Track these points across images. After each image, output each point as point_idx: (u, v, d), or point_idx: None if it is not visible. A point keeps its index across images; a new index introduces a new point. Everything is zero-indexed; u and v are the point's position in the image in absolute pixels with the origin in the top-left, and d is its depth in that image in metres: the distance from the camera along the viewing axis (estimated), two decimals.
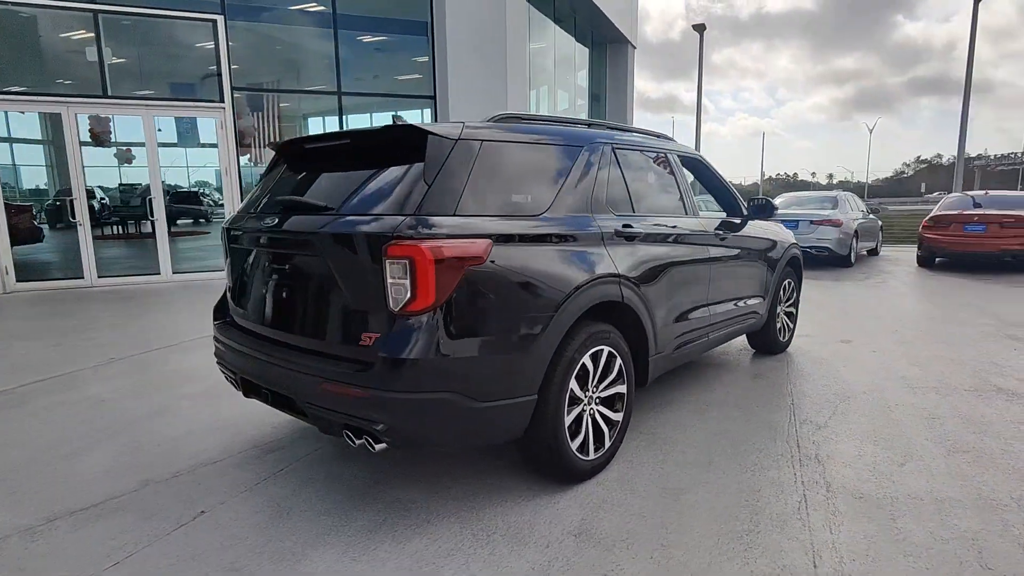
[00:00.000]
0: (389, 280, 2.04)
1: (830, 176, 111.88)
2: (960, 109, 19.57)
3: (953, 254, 9.87)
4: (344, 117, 9.95)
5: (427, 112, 10.40)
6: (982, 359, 4.43)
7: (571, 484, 2.50)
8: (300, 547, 2.07)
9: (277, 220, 2.44)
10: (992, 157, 74.82)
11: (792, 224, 9.53)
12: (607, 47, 17.88)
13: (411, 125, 2.29)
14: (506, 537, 2.13)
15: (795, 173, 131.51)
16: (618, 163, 2.97)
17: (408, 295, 2.03)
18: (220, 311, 2.90)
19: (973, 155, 72.56)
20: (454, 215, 2.13)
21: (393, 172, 2.28)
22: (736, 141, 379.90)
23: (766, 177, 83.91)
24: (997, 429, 3.09)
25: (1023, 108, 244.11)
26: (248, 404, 3.10)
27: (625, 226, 2.79)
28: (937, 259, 10.30)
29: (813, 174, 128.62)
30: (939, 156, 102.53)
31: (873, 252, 12.32)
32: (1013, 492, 2.44)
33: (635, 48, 18.51)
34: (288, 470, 2.66)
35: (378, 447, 2.12)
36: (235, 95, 8.96)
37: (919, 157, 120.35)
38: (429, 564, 1.97)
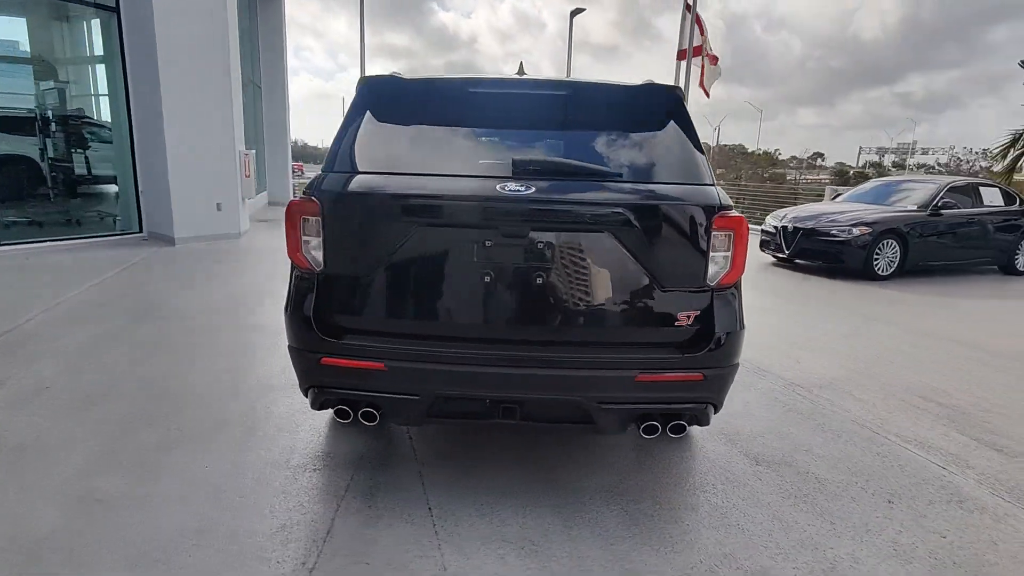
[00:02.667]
0: (712, 254, 2.02)
1: None
2: None
3: None
4: None
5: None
6: None
7: None
8: None
9: (531, 189, 1.98)
10: None
11: None
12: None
13: (672, 86, 2.26)
14: None
15: None
16: None
17: (727, 268, 2.06)
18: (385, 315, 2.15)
19: None
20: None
21: (657, 136, 2.19)
22: (302, 102, 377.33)
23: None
24: None
25: None
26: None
27: None
28: None
29: None
30: None
31: None
32: None
33: None
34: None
35: (679, 434, 2.18)
36: None
37: None
38: None
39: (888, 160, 62.27)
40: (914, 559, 2.08)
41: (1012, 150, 14.20)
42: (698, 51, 14.62)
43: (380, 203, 2.06)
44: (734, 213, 2.05)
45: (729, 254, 2.06)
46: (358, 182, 2.11)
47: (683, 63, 13.50)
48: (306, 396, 2.24)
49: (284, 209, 2.21)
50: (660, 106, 2.23)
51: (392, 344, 2.07)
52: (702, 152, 2.18)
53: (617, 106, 2.30)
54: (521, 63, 3.81)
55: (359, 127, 2.25)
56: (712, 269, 2.06)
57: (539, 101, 2.30)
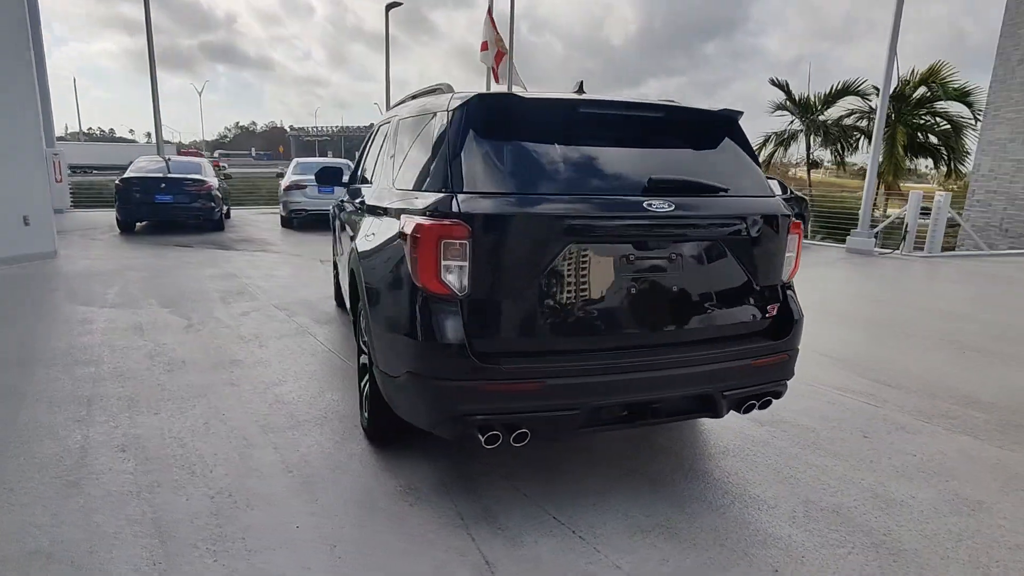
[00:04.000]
0: (787, 254, 2.42)
1: (148, 135, 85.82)
2: None
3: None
4: None
5: None
6: None
7: None
8: None
9: (671, 206, 2.17)
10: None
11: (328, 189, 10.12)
12: None
13: (731, 111, 2.56)
14: None
15: (111, 129, 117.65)
16: None
17: (792, 265, 2.48)
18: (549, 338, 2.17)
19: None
20: None
21: (723, 153, 2.51)
22: None
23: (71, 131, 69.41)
24: None
25: (295, 86, 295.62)
26: None
27: None
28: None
29: (131, 131, 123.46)
30: (254, 124, 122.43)
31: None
32: None
33: None
34: None
35: (767, 408, 2.53)
36: None
37: (238, 123, 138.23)
38: None
39: None
40: (911, 475, 2.77)
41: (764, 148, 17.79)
42: (486, 47, 16.58)
43: (534, 223, 2.08)
44: (797, 219, 2.50)
45: (794, 253, 2.51)
46: (509, 203, 2.09)
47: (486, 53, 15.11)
48: (444, 427, 2.16)
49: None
50: (731, 127, 2.56)
51: (549, 362, 2.12)
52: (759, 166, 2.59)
53: (701, 126, 2.56)
54: (581, 82, 3.82)
55: (483, 144, 2.20)
56: (786, 267, 2.48)
57: (643, 122, 2.48)
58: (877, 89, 13.80)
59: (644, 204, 2.17)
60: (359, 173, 4.12)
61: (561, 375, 2.11)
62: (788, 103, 15.84)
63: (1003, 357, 4.60)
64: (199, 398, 3.37)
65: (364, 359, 3.04)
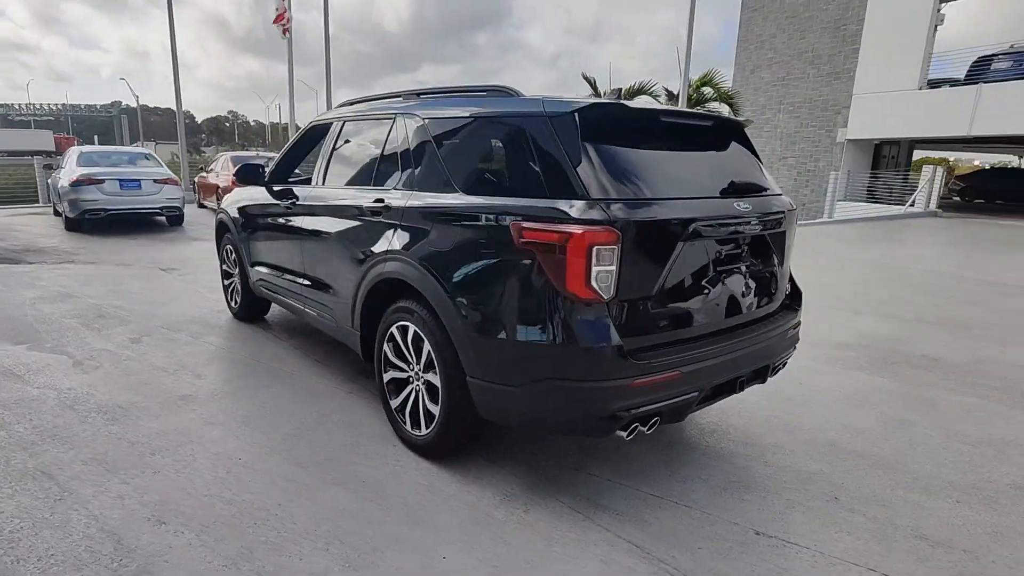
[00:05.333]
0: (793, 239, 2.98)
1: None
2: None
3: None
4: None
5: None
6: None
7: None
8: None
9: (748, 205, 2.56)
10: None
11: (134, 184, 10.12)
12: None
13: (740, 121, 2.94)
14: None
15: None
16: None
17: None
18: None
19: None
20: None
21: (744, 156, 2.85)
22: None
23: None
24: None
25: None
26: None
27: None
28: None
29: None
30: None
31: None
32: None
33: None
34: None
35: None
36: None
37: None
38: None
39: None
40: (910, 427, 3.59)
41: None
42: (281, 16, 18.10)
43: (664, 226, 2.25)
44: None
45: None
46: (645, 208, 2.23)
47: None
48: (595, 428, 2.27)
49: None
50: (742, 133, 2.95)
51: (680, 352, 2.33)
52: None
53: (730, 132, 2.89)
54: (620, 90, 3.78)
55: (599, 151, 2.28)
56: (792, 251, 3.02)
57: (701, 130, 2.76)
58: (668, 91, 16.17)
59: (734, 204, 2.50)
60: (322, 175, 3.70)
61: (690, 362, 2.34)
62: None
63: None
64: (189, 444, 2.83)
65: (394, 374, 2.94)
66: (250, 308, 4.96)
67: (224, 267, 5.19)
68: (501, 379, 2.36)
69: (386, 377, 3.01)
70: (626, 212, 2.17)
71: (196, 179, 12.53)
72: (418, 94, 3.21)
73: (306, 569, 2.04)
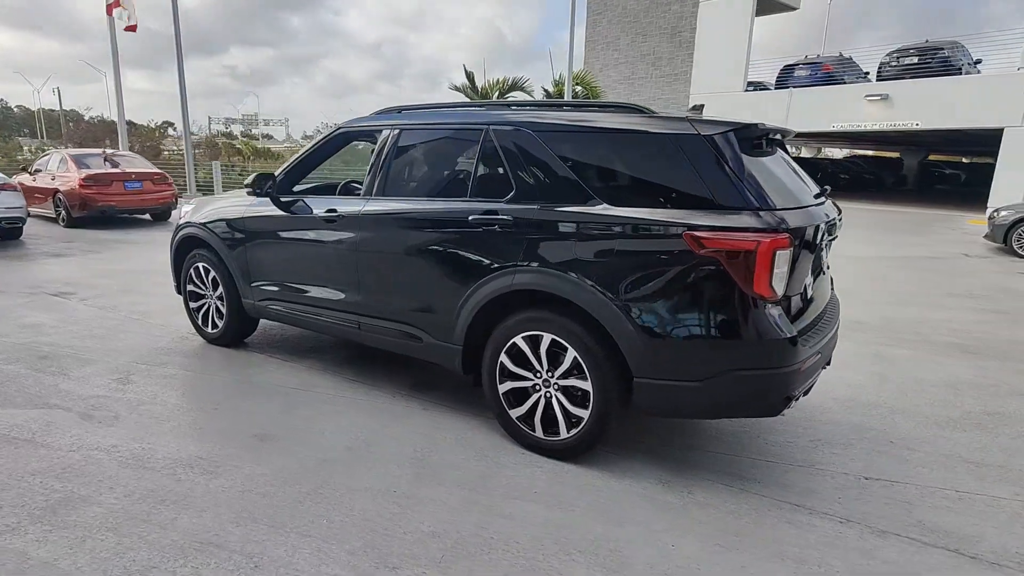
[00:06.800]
0: None
1: None
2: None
3: (123, 209, 10.95)
4: None
5: None
6: None
7: None
8: None
9: (829, 210, 2.97)
10: None
11: None
12: None
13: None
14: None
15: None
16: None
17: None
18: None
19: None
20: None
21: (793, 164, 3.17)
22: None
23: None
24: None
25: None
26: None
27: None
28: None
29: None
30: None
31: None
32: None
33: None
34: None
35: None
36: None
37: None
38: None
39: (237, 130, 57.89)
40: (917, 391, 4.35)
41: None
42: (117, 4, 16.34)
43: (808, 231, 2.63)
44: None
45: None
46: (800, 216, 2.58)
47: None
48: (775, 410, 2.60)
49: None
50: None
51: (812, 338, 2.74)
52: None
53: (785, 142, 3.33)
54: (702, 106, 3.73)
55: (751, 165, 2.59)
56: None
57: (777, 142, 3.12)
58: (545, 89, 16.94)
59: (824, 210, 2.94)
60: (380, 187, 3.49)
61: (818, 345, 2.76)
62: (471, 91, 17.76)
63: None
64: (324, 486, 2.61)
65: (513, 384, 3.00)
66: (238, 331, 4.49)
67: (191, 288, 4.60)
68: (680, 376, 2.57)
69: (502, 388, 3.04)
70: (790, 219, 2.51)
71: (17, 181, 10.35)
72: (508, 105, 3.23)
73: None
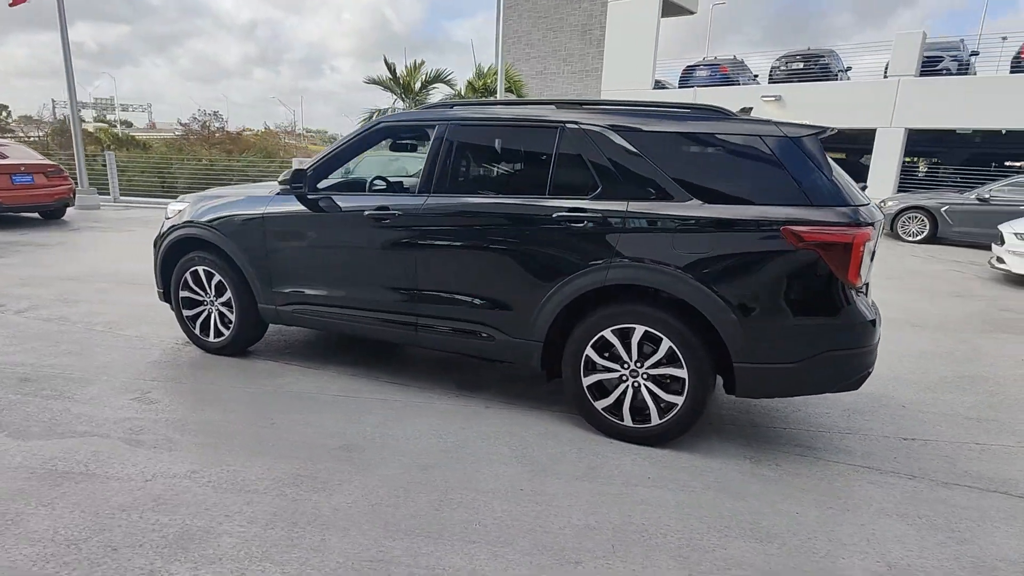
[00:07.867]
0: None
1: None
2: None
3: (10, 207, 9.62)
4: None
5: None
6: None
7: None
8: None
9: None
10: None
11: None
12: None
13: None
14: None
15: None
16: None
17: None
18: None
19: None
20: None
21: None
22: None
23: None
24: None
25: None
26: None
27: None
28: None
29: None
30: None
31: None
32: None
33: None
34: None
35: None
36: None
37: None
38: None
39: (88, 115, 50.51)
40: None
41: None
42: None
43: (879, 224, 2.92)
44: None
45: None
46: (873, 211, 2.85)
47: None
48: (855, 384, 2.90)
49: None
50: None
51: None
52: None
53: None
54: (750, 108, 3.60)
55: (831, 163, 2.83)
56: None
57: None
58: (470, 83, 16.81)
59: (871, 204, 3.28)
60: (443, 182, 3.38)
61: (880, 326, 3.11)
62: (392, 83, 17.20)
63: None
64: (449, 491, 2.54)
65: (598, 377, 3.09)
66: (247, 340, 4.17)
67: (186, 294, 4.19)
68: (778, 359, 2.80)
69: (587, 380, 3.12)
70: (870, 214, 2.82)
71: None
72: (581, 104, 3.27)
73: (751, 556, 2.25)
